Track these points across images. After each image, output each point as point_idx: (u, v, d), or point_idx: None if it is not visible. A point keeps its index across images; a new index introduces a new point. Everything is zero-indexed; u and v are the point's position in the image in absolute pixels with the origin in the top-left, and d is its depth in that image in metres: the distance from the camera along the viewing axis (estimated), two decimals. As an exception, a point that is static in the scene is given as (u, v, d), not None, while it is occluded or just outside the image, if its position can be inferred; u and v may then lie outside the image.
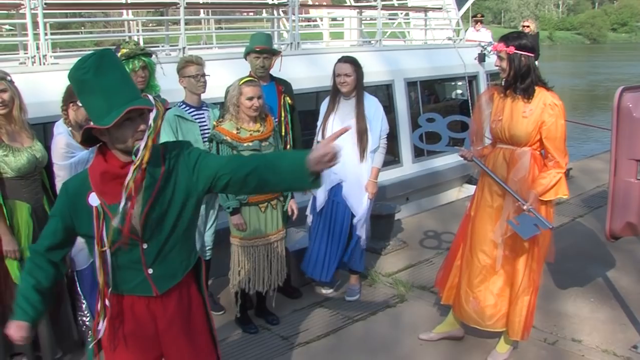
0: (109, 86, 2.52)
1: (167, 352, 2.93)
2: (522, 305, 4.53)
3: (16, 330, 2.74)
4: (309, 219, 5.81)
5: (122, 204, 2.59)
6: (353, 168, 5.50)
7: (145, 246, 2.73)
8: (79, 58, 2.56)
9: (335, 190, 5.58)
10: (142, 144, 2.54)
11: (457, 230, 4.97)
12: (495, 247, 4.53)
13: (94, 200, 2.65)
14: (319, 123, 5.64)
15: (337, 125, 5.45)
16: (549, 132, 4.27)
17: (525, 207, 4.25)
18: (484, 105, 4.58)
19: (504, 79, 4.39)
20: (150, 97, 2.61)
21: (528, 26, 12.09)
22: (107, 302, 2.78)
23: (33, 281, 2.78)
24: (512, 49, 4.25)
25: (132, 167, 2.56)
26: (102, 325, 2.80)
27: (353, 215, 5.63)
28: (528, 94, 4.30)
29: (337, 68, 5.45)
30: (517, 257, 4.50)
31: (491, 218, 4.54)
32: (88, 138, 2.65)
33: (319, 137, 5.54)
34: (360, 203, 5.61)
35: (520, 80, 4.29)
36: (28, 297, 2.77)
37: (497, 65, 4.40)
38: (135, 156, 2.58)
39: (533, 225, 4.24)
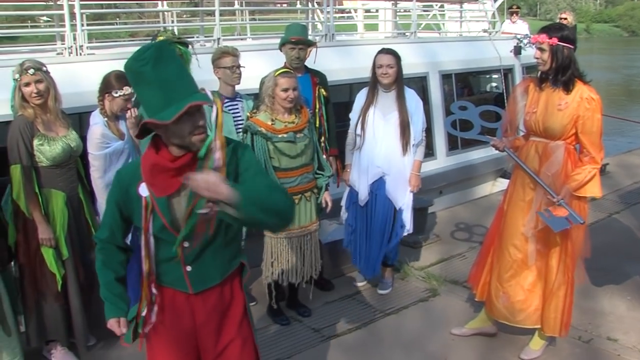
0: (168, 79, 2.47)
1: (203, 346, 2.93)
2: (557, 301, 4.47)
3: (118, 328, 2.81)
4: (344, 213, 5.76)
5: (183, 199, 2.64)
6: (396, 161, 5.47)
7: (186, 244, 2.72)
8: (137, 49, 2.51)
9: (378, 184, 5.53)
10: (217, 145, 2.51)
11: (490, 226, 4.92)
12: (527, 242, 4.48)
13: (143, 190, 2.68)
14: (353, 115, 5.60)
15: (378, 117, 5.42)
16: (585, 126, 4.20)
17: (555, 200, 4.21)
18: (519, 96, 4.52)
19: (544, 71, 4.30)
20: (208, 92, 2.56)
21: (566, 18, 11.87)
22: (153, 289, 2.81)
23: (112, 274, 2.88)
24: (555, 41, 4.17)
25: (202, 164, 2.55)
26: (148, 312, 2.82)
27: (394, 209, 5.60)
28: (568, 87, 4.23)
29: (378, 59, 5.40)
30: (550, 252, 4.45)
31: (523, 212, 4.49)
32: (143, 130, 2.64)
33: (358, 130, 5.49)
34: (403, 196, 5.57)
35: (562, 73, 4.22)
36: (114, 291, 2.86)
37: (537, 57, 4.31)
38: (202, 158, 2.56)
39: (564, 218, 4.19)
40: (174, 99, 2.46)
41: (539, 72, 4.40)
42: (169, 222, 2.69)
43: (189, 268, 2.78)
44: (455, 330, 5.06)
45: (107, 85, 4.59)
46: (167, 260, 2.77)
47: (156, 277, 2.81)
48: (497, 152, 4.64)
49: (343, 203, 5.76)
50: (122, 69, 4.69)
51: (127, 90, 4.56)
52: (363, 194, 5.55)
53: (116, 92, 4.55)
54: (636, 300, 5.65)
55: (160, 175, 2.64)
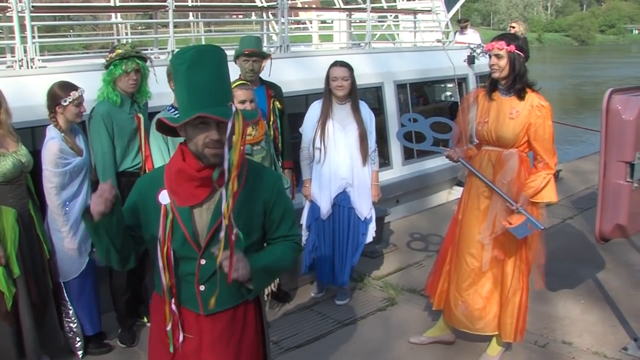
0: (197, 84, 2.46)
1: None
2: (512, 307, 4.52)
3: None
4: (305, 230, 5.68)
5: (222, 232, 2.46)
6: (359, 172, 5.52)
7: (203, 262, 2.62)
8: (181, 48, 2.55)
9: (341, 196, 5.55)
10: (226, 163, 2.41)
11: (445, 235, 4.97)
12: (483, 250, 4.52)
13: (164, 198, 2.59)
14: (306, 129, 5.58)
15: (338, 129, 5.42)
16: (537, 133, 4.29)
17: (514, 208, 4.25)
18: (469, 106, 4.58)
19: (499, 78, 4.35)
20: (234, 108, 2.46)
21: (514, 27, 12.07)
22: (173, 307, 2.68)
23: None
24: (512, 48, 4.25)
25: (224, 190, 2.44)
26: (176, 331, 2.70)
27: (359, 219, 5.61)
28: (522, 94, 4.30)
29: (333, 72, 5.41)
30: (506, 259, 4.50)
31: (478, 220, 4.54)
32: (163, 127, 2.63)
33: (317, 143, 5.47)
34: (367, 206, 5.62)
35: (518, 80, 4.29)
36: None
37: (493, 64, 4.34)
38: (219, 174, 2.50)
39: (525, 225, 4.25)
40: (193, 105, 2.46)
41: (490, 81, 4.45)
42: (190, 234, 2.59)
43: (202, 287, 2.65)
44: (413, 339, 5.08)
45: (54, 97, 4.51)
46: (181, 277, 2.67)
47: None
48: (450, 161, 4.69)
49: (303, 222, 5.70)
50: (73, 81, 4.67)
51: (75, 94, 4.51)
52: (325, 207, 5.55)
53: (65, 101, 4.48)
54: (590, 303, 5.75)
55: (185, 183, 2.58)
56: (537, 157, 4.36)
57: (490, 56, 4.36)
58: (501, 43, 4.27)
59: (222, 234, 2.47)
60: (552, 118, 4.35)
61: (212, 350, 2.72)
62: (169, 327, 2.69)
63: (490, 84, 4.46)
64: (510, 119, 4.31)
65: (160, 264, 2.63)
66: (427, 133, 4.72)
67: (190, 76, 2.46)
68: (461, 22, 13.27)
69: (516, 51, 4.25)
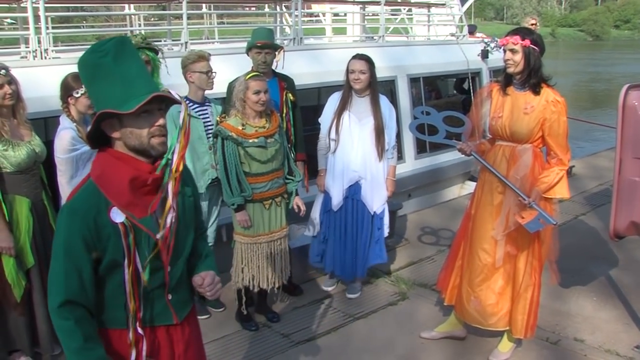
0: (128, 73, 2.30)
1: None
2: (524, 303, 4.51)
3: None
4: (317, 220, 5.69)
5: (170, 216, 2.36)
6: (372, 166, 5.51)
7: (169, 269, 2.50)
8: (95, 43, 2.36)
9: (354, 189, 5.55)
10: (177, 145, 2.31)
11: (458, 230, 4.95)
12: (496, 245, 4.50)
13: (117, 215, 2.32)
14: (324, 119, 5.60)
15: (354, 122, 5.43)
16: (552, 129, 4.25)
17: (526, 202, 4.23)
18: (483, 101, 4.55)
19: (514, 73, 4.30)
20: (174, 93, 2.39)
21: (535, 24, 12.04)
22: (139, 330, 2.46)
23: (100, 347, 2.38)
24: (527, 42, 4.20)
25: (167, 172, 2.32)
26: (134, 356, 2.47)
27: (369, 213, 5.61)
28: (537, 89, 4.26)
29: (351, 64, 5.42)
30: (519, 254, 4.48)
31: (492, 216, 4.52)
32: (95, 135, 2.39)
33: (332, 134, 5.49)
34: (378, 200, 5.61)
35: (533, 75, 4.25)
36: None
37: (507, 59, 4.29)
38: (167, 159, 2.36)
39: (537, 220, 4.23)
40: (134, 94, 2.28)
41: (504, 75, 4.41)
42: (162, 241, 2.42)
43: (170, 296, 2.54)
44: (424, 334, 5.07)
45: (67, 88, 4.52)
46: (149, 293, 2.47)
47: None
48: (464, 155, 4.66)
49: (316, 214, 5.70)
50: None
51: None
52: (337, 199, 5.55)
53: (77, 92, 4.49)
54: (602, 300, 5.72)
55: (140, 190, 2.36)
56: (551, 152, 4.33)
57: (505, 51, 4.31)
58: (516, 37, 4.21)
59: (169, 218, 2.39)
60: (567, 113, 4.31)
61: (186, 355, 2.66)
62: (133, 354, 2.47)
63: (504, 78, 4.42)
64: (524, 114, 4.28)
65: (128, 287, 2.39)
66: (439, 126, 4.69)
67: (120, 66, 2.29)
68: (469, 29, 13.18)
69: (531, 45, 4.19)
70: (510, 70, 4.30)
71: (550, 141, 4.30)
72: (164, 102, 2.41)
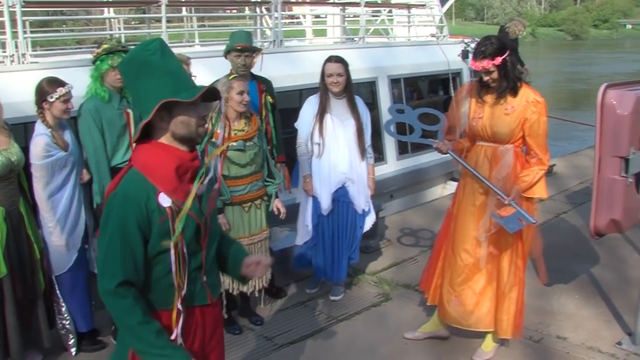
0: (175, 69, 2.51)
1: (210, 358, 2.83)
2: (509, 302, 4.53)
3: None
4: (309, 226, 5.64)
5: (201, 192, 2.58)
6: (357, 167, 5.53)
7: (205, 252, 2.67)
8: (140, 43, 2.54)
9: (341, 191, 5.55)
10: (221, 133, 2.57)
11: (439, 230, 4.96)
12: (479, 246, 4.52)
13: (165, 200, 2.48)
14: (303, 124, 5.56)
15: (337, 124, 5.42)
16: (532, 129, 4.29)
17: (506, 202, 4.25)
18: (462, 101, 4.56)
19: (497, 87, 4.30)
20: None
21: (522, 29, 12.08)
22: (179, 306, 2.57)
23: (155, 324, 2.51)
24: (498, 60, 4.18)
25: (210, 149, 2.58)
26: (177, 332, 2.58)
27: (356, 213, 5.62)
28: (515, 90, 4.29)
29: (328, 68, 5.39)
30: (501, 254, 4.50)
31: (474, 216, 4.53)
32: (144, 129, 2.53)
33: (316, 138, 5.45)
34: (366, 201, 5.65)
35: (512, 81, 4.27)
36: (166, 338, 2.53)
37: (486, 79, 4.28)
38: (202, 151, 2.64)
39: (517, 219, 4.25)
40: (182, 87, 2.48)
41: (479, 80, 4.40)
42: (203, 224, 2.61)
43: (205, 278, 2.69)
44: (408, 334, 5.07)
45: (41, 93, 4.48)
46: (188, 276, 2.61)
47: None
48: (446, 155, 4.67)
49: (308, 220, 5.63)
50: (63, 77, 4.62)
51: (62, 90, 4.48)
52: (326, 203, 5.53)
53: (51, 97, 4.46)
54: (584, 298, 5.75)
55: (183, 177, 2.56)
56: (531, 152, 4.36)
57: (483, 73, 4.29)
58: (486, 62, 4.18)
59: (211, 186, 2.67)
60: (546, 114, 4.35)
61: (215, 335, 2.83)
62: (176, 330, 2.58)
63: (479, 83, 4.41)
64: (505, 115, 4.30)
65: (174, 269, 2.53)
66: (415, 124, 4.70)
67: (168, 63, 2.49)
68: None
69: (502, 58, 4.18)
70: (493, 85, 4.31)
71: (530, 141, 4.32)
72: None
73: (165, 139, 2.54)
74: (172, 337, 2.56)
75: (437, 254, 4.87)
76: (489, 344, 4.78)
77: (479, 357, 4.77)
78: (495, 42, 4.24)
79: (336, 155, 5.45)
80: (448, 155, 4.55)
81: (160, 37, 2.65)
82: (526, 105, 4.27)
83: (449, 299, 4.66)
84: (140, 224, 2.46)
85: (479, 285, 4.58)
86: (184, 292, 2.58)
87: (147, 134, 2.56)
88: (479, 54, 4.24)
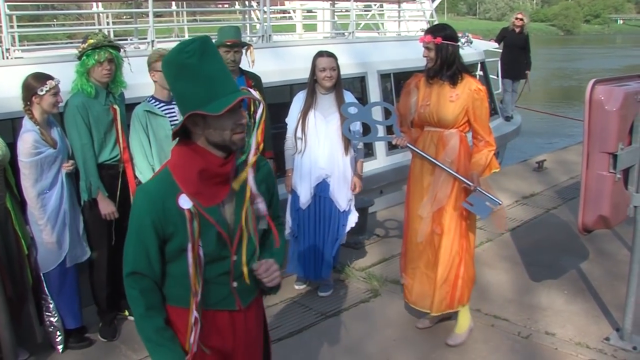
0: (213, 73, 2.41)
1: None
2: (450, 278, 4.73)
3: None
4: (289, 220, 5.66)
5: (247, 205, 2.52)
6: (339, 163, 5.50)
7: (235, 258, 2.60)
8: (179, 42, 2.44)
9: (321, 186, 5.53)
10: (253, 141, 2.42)
11: (404, 216, 5.11)
12: (428, 225, 4.75)
13: (185, 202, 2.45)
14: (290, 120, 5.57)
15: (319, 120, 5.42)
16: (476, 114, 4.60)
17: (472, 188, 4.50)
18: (411, 92, 4.85)
19: (431, 67, 4.64)
20: (253, 92, 2.47)
21: (522, 19, 12.14)
22: (196, 313, 2.56)
23: (160, 318, 2.58)
24: (439, 40, 4.56)
25: (248, 163, 2.47)
26: (193, 338, 2.58)
27: (338, 210, 5.59)
28: (454, 80, 4.61)
29: (320, 62, 5.38)
30: (444, 233, 4.69)
31: (421, 196, 4.78)
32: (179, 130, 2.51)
33: (299, 133, 5.47)
34: (346, 197, 5.60)
35: (447, 68, 4.59)
36: (166, 335, 2.57)
37: (425, 56, 4.66)
38: (244, 154, 2.55)
39: (485, 203, 4.50)
40: (218, 94, 2.40)
41: (427, 69, 4.72)
42: (226, 232, 2.54)
43: (235, 284, 2.63)
44: (419, 324, 5.19)
45: (29, 88, 4.45)
46: (213, 280, 2.59)
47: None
48: None
49: (287, 213, 5.68)
50: (50, 72, 4.59)
51: (52, 83, 4.46)
52: (305, 197, 5.53)
53: (41, 90, 4.43)
54: (573, 294, 5.75)
55: (209, 181, 2.50)
56: (478, 136, 4.66)
57: (424, 47, 4.67)
58: (428, 37, 4.60)
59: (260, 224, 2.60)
60: (489, 100, 4.70)
61: (247, 342, 2.77)
62: (192, 338, 2.58)
63: (427, 70, 4.73)
64: (450, 102, 4.60)
65: (191, 270, 2.51)
66: (370, 122, 4.95)
67: (205, 66, 2.40)
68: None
69: (443, 42, 4.55)
70: (429, 65, 4.68)
71: (476, 126, 4.63)
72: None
73: (201, 142, 2.50)
74: (191, 340, 2.58)
75: (405, 237, 5.08)
76: (461, 327, 4.93)
77: (452, 341, 4.91)
78: (446, 28, 4.70)
79: (316, 151, 5.45)
80: (400, 147, 4.84)
81: (205, 36, 2.53)
82: (470, 93, 4.58)
83: (407, 280, 4.96)
84: (156, 222, 2.47)
85: (430, 266, 4.80)
86: (198, 298, 2.55)
87: (189, 134, 2.53)
88: (427, 29, 4.77)
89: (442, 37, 4.56)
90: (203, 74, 2.39)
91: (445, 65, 4.59)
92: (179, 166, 2.51)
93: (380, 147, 8.75)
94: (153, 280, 2.56)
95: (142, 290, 2.54)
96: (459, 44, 4.64)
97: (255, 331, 2.83)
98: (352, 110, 4.99)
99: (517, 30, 12.20)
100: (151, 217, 2.47)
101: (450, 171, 4.58)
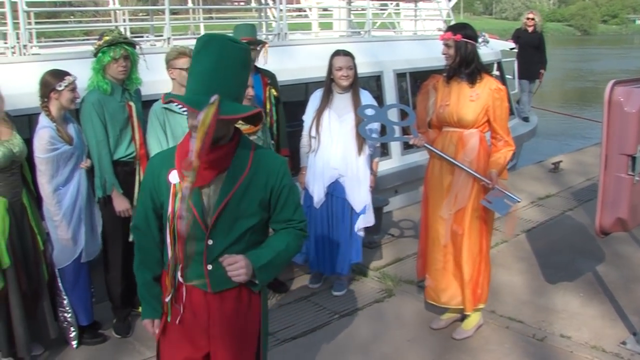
0: (196, 70, 2.54)
1: (214, 349, 2.85)
2: (468, 279, 4.75)
3: (152, 328, 2.90)
4: None
5: (186, 190, 2.57)
6: (352, 163, 5.47)
7: (210, 242, 2.69)
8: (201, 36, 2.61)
9: (334, 186, 5.51)
10: (193, 144, 2.45)
11: (421, 216, 5.13)
12: (450, 225, 4.77)
13: (174, 177, 2.66)
14: (307, 117, 5.56)
15: (334, 119, 5.40)
16: (496, 114, 4.63)
17: (490, 186, 4.54)
18: (429, 92, 4.88)
19: (450, 65, 4.68)
20: (214, 98, 2.44)
21: (533, 19, 12.07)
22: (180, 278, 2.78)
23: (149, 273, 2.88)
24: (458, 37, 4.58)
25: (191, 160, 2.50)
26: (169, 299, 2.82)
27: (352, 209, 5.57)
28: (472, 79, 4.63)
29: (337, 61, 5.36)
30: (465, 233, 4.71)
31: (442, 197, 4.79)
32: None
33: (313, 132, 5.47)
34: (359, 197, 5.55)
35: (465, 66, 4.61)
36: (151, 291, 2.89)
37: (444, 54, 4.70)
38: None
39: (504, 201, 4.55)
40: (190, 91, 2.54)
41: (447, 67, 4.75)
42: (199, 214, 2.64)
43: (209, 267, 2.72)
44: (434, 325, 5.16)
45: (46, 85, 4.46)
46: (189, 256, 2.73)
47: (176, 272, 2.78)
48: None
49: None
50: (66, 69, 4.60)
51: (70, 79, 4.48)
52: (318, 196, 5.51)
53: (60, 86, 4.45)
54: (588, 296, 5.70)
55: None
56: (497, 136, 4.69)
57: (443, 45, 4.70)
58: (448, 34, 4.64)
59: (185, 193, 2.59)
60: (507, 100, 4.72)
61: (221, 326, 2.80)
62: (167, 299, 2.81)
63: (448, 69, 4.76)
64: (470, 101, 4.61)
65: (168, 240, 2.74)
66: (387, 123, 4.94)
67: (194, 63, 2.55)
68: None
69: (463, 39, 4.59)
70: (447, 62, 4.72)
71: (495, 125, 4.65)
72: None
73: None
74: (166, 299, 2.83)
75: (423, 238, 5.10)
76: (469, 323, 4.97)
77: (458, 335, 4.96)
78: (467, 27, 4.72)
79: (329, 151, 5.43)
80: (417, 148, 4.88)
81: (211, 33, 2.58)
82: (490, 93, 4.60)
83: (431, 283, 4.95)
84: (152, 189, 2.76)
85: (450, 264, 4.82)
86: (172, 265, 2.75)
87: None
88: (448, 27, 4.83)
89: (462, 35, 4.59)
90: (192, 66, 2.57)
91: (464, 63, 4.61)
92: (183, 144, 2.69)
93: (395, 146, 8.72)
94: (151, 239, 2.85)
95: (139, 246, 2.89)
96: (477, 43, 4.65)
97: (237, 321, 2.83)
98: (369, 112, 4.97)
99: (530, 29, 12.11)
100: (149, 185, 2.77)
101: (469, 170, 4.59)
